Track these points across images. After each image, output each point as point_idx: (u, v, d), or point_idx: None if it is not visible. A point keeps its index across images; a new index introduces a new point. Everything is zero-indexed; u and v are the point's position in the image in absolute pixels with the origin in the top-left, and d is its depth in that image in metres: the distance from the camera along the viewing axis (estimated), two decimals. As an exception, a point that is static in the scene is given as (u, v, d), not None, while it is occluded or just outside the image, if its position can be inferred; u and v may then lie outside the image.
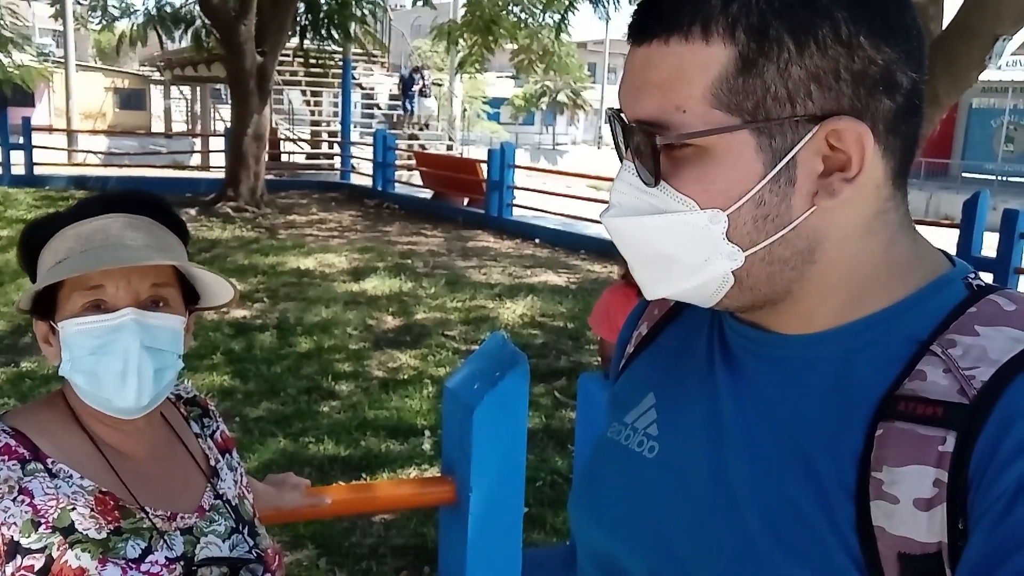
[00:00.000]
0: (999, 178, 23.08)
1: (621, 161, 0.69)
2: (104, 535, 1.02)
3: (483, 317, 6.94)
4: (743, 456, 0.68)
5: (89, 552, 1.00)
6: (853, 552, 0.60)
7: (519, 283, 8.25)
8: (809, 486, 0.63)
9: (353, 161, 16.54)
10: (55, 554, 0.99)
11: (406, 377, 5.42)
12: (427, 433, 4.47)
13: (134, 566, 1.02)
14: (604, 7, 10.49)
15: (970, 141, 25.61)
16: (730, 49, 0.61)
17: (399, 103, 20.17)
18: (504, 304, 7.35)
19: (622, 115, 0.68)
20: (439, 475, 2.00)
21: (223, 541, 1.12)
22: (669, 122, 0.63)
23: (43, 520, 1.00)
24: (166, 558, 1.05)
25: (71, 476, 1.04)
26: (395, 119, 19.46)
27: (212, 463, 1.21)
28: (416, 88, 19.14)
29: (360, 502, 2.09)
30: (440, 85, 21.15)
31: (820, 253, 0.65)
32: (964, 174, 23.79)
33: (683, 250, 0.66)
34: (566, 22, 10.80)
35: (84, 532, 1.01)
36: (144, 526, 1.06)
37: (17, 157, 14.01)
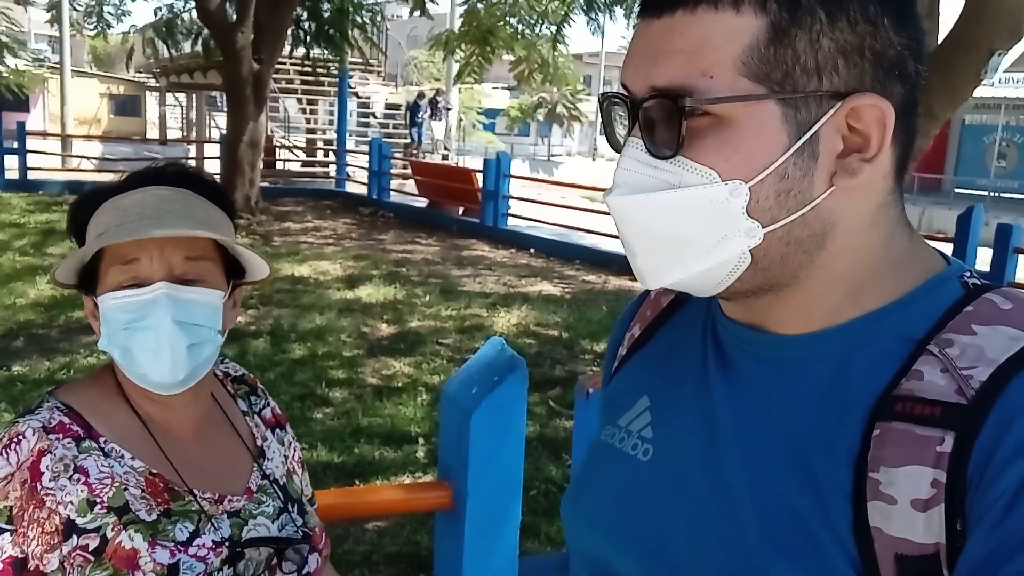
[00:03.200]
0: (991, 194, 23.20)
1: (617, 151, 0.67)
2: (154, 517, 1.02)
3: (477, 326, 6.93)
4: (739, 458, 0.67)
5: (141, 534, 0.99)
6: (850, 553, 0.60)
7: (513, 292, 8.25)
8: (805, 487, 0.63)
9: (348, 169, 16.55)
10: (110, 534, 0.98)
11: (400, 384, 5.40)
12: (421, 440, 4.46)
13: (183, 549, 1.01)
14: (597, 19, 10.55)
15: (963, 157, 25.74)
16: (762, 19, 0.61)
17: (395, 112, 20.16)
18: (498, 313, 7.34)
19: (624, 94, 0.66)
20: (436, 480, 1.99)
21: (272, 522, 1.11)
22: (694, 87, 0.61)
23: (98, 500, 0.99)
24: (213, 541, 1.04)
25: (123, 456, 1.04)
26: (404, 149, 19.19)
27: (259, 442, 1.19)
28: (424, 115, 18.99)
29: (356, 506, 2.08)
30: (450, 109, 21.04)
31: (831, 239, 0.65)
32: (957, 190, 23.88)
33: (699, 227, 0.63)
34: (562, 34, 10.85)
35: (136, 513, 1.00)
36: (192, 509, 1.05)
37: (11, 161, 13.98)
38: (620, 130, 0.68)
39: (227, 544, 1.05)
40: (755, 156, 0.61)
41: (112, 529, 0.98)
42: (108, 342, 1.04)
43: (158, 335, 1.01)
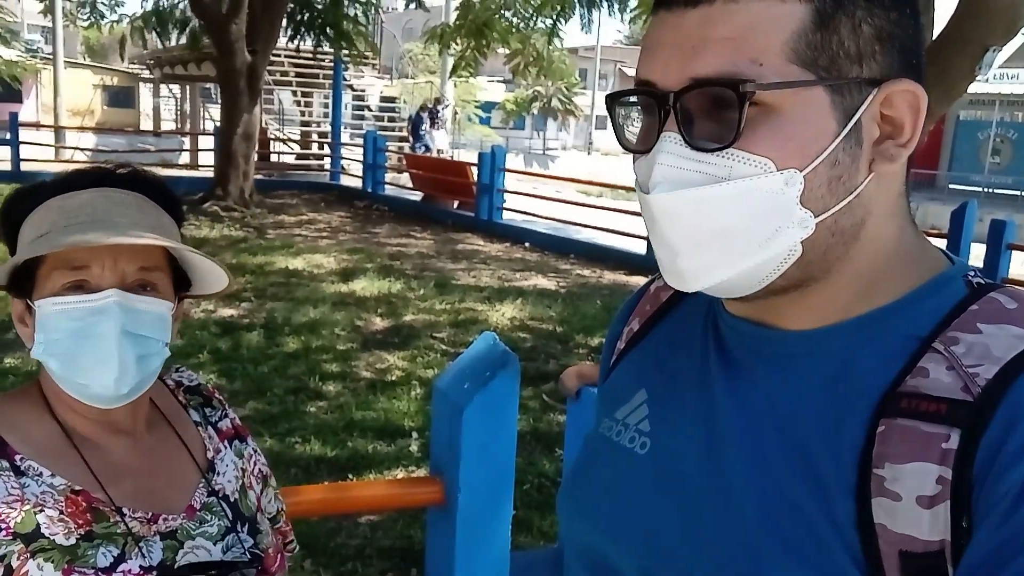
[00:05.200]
0: (985, 190, 23.26)
1: (629, 149, 0.66)
2: (73, 541, 0.93)
3: (472, 320, 6.92)
4: (739, 452, 0.67)
5: (53, 561, 0.91)
6: (853, 550, 0.60)
7: (508, 286, 8.24)
8: (808, 483, 0.62)
9: (343, 162, 16.50)
10: (15, 563, 0.90)
11: (394, 378, 5.40)
12: (414, 435, 4.46)
13: (104, 575, 0.93)
14: (589, 15, 10.52)
15: (957, 153, 25.77)
16: (806, 4, 0.60)
17: (391, 105, 20.06)
18: (493, 307, 7.34)
19: (649, 89, 0.63)
20: (427, 475, 1.99)
21: (215, 543, 1.03)
22: (744, 74, 0.59)
23: (3, 526, 0.91)
24: (140, 567, 0.95)
25: (40, 474, 0.95)
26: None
27: (209, 455, 1.11)
28: (425, 127, 18.83)
29: (348, 501, 2.07)
30: (448, 106, 20.87)
31: (864, 229, 0.65)
32: (951, 185, 23.93)
33: (752, 221, 0.61)
34: (558, 27, 10.82)
35: (51, 537, 0.92)
36: (118, 531, 0.96)
37: (3, 153, 13.94)
38: (632, 127, 0.67)
39: (156, 570, 0.97)
40: (808, 144, 0.61)
41: (18, 558, 0.90)
42: (44, 351, 0.96)
43: (106, 345, 0.94)
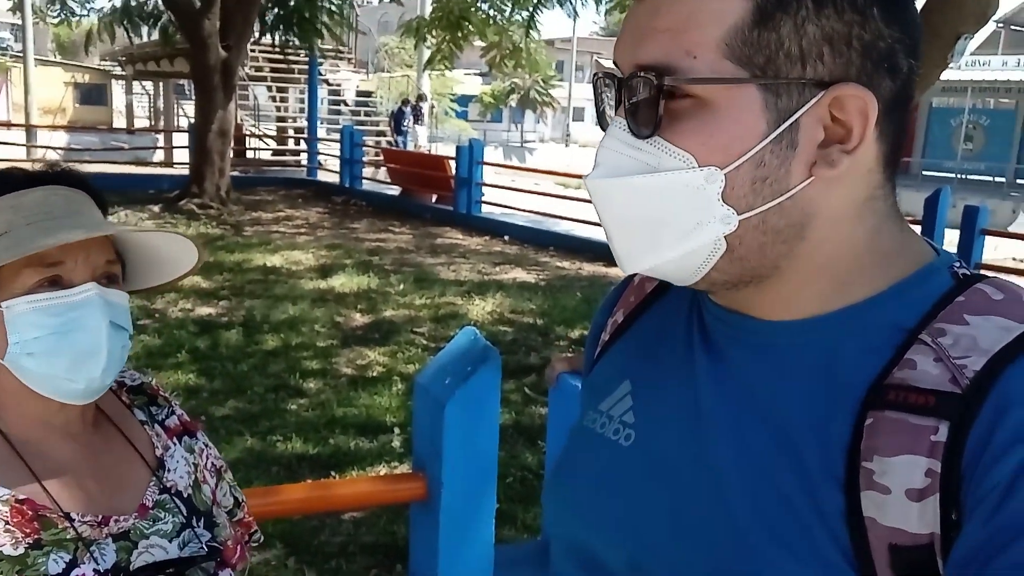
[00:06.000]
0: (959, 176, 23.55)
1: (604, 131, 0.67)
2: (21, 551, 0.91)
3: (452, 314, 6.91)
4: (726, 443, 0.66)
5: (2, 572, 0.89)
6: (842, 542, 0.59)
7: (488, 280, 8.24)
8: (796, 474, 0.62)
9: (320, 158, 16.41)
10: None
11: (375, 374, 5.38)
12: (396, 430, 4.45)
13: None
14: (572, 4, 10.51)
15: (930, 139, 26.05)
16: (747, 1, 0.60)
17: (367, 99, 19.94)
18: (473, 301, 7.33)
19: (614, 72, 0.65)
20: (410, 471, 1.99)
21: (170, 541, 1.02)
22: (676, 66, 0.60)
23: None
24: (94, 571, 0.94)
25: None
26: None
27: (158, 453, 1.09)
28: (407, 123, 18.74)
29: (331, 499, 2.07)
30: (426, 100, 20.77)
31: (811, 230, 0.64)
32: (925, 172, 24.17)
33: (674, 212, 0.62)
34: (535, 20, 10.79)
35: None
36: (68, 536, 0.94)
37: (-26, 152, 13.72)
38: (611, 112, 0.67)
39: (111, 574, 0.95)
40: (733, 142, 0.61)
41: None
42: (20, 351, 0.94)
43: (96, 337, 0.94)
